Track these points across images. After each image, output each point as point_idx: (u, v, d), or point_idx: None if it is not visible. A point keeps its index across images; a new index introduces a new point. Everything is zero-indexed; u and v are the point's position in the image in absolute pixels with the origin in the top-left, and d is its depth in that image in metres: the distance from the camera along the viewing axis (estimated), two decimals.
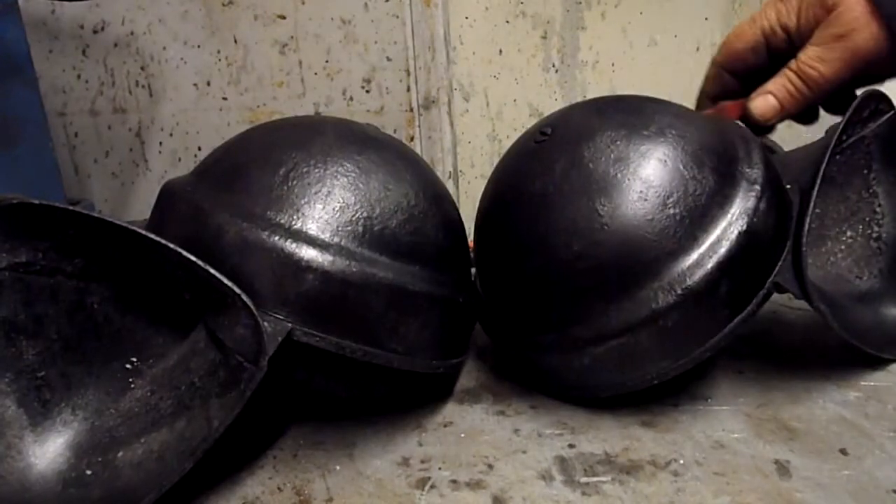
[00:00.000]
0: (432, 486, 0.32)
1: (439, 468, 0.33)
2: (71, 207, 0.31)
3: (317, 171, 0.34)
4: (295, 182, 0.34)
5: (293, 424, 0.38)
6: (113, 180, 0.84)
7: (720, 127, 0.39)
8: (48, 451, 0.32)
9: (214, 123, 0.81)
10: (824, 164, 0.37)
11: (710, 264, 0.34)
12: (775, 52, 0.48)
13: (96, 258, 0.33)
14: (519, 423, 0.37)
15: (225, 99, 0.80)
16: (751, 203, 0.35)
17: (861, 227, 0.44)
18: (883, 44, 0.44)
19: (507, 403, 0.39)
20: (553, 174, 0.36)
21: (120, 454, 0.32)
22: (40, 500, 0.31)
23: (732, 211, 0.35)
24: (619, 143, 0.36)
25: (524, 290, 0.38)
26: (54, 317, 0.33)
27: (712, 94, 0.50)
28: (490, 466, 0.33)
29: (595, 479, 0.32)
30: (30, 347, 0.33)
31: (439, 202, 0.38)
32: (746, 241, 0.34)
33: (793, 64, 0.46)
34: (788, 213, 0.37)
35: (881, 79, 0.45)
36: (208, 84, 0.80)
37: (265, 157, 0.35)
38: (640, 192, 0.35)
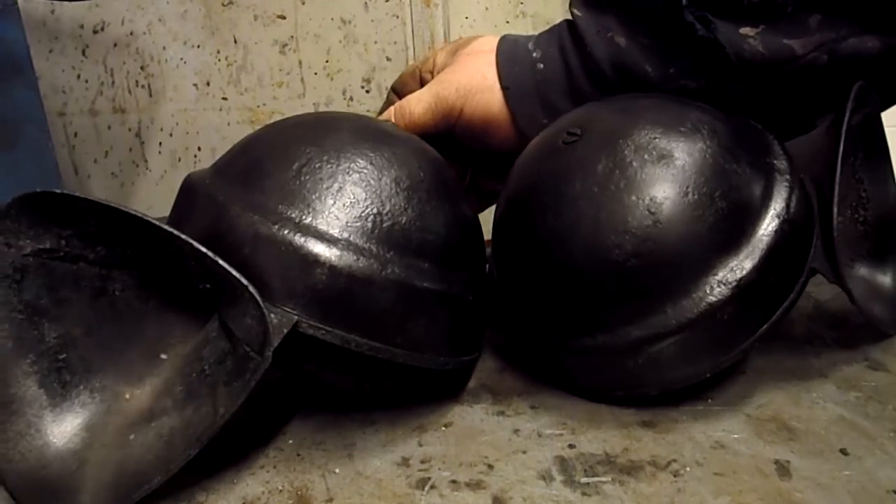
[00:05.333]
0: (432, 487, 0.32)
1: (439, 468, 0.33)
2: (91, 198, 0.32)
3: (329, 166, 0.35)
4: (307, 177, 0.34)
5: (293, 424, 0.38)
6: (113, 180, 0.84)
7: (740, 122, 0.40)
8: (66, 430, 0.33)
9: (214, 123, 0.82)
10: (840, 154, 0.37)
11: (759, 255, 0.35)
12: (422, 78, 0.51)
13: (118, 247, 0.34)
14: (519, 423, 0.37)
15: (225, 99, 0.81)
16: (786, 193, 0.36)
17: (849, 211, 0.45)
18: (499, 109, 0.46)
19: (507, 403, 0.39)
20: (595, 174, 0.36)
21: (132, 437, 0.33)
22: (56, 478, 0.32)
23: (772, 202, 0.36)
24: (658, 140, 0.36)
25: (565, 292, 0.37)
26: (76, 302, 0.34)
27: (380, 113, 0.53)
28: (490, 466, 0.33)
29: (595, 479, 0.32)
30: (52, 331, 0.34)
31: (453, 200, 0.38)
32: (787, 230, 0.36)
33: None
34: (810, 202, 0.38)
35: (507, 151, 0.47)
36: (208, 84, 0.80)
37: (280, 153, 0.36)
38: (688, 187, 0.35)
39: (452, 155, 0.52)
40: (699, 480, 0.31)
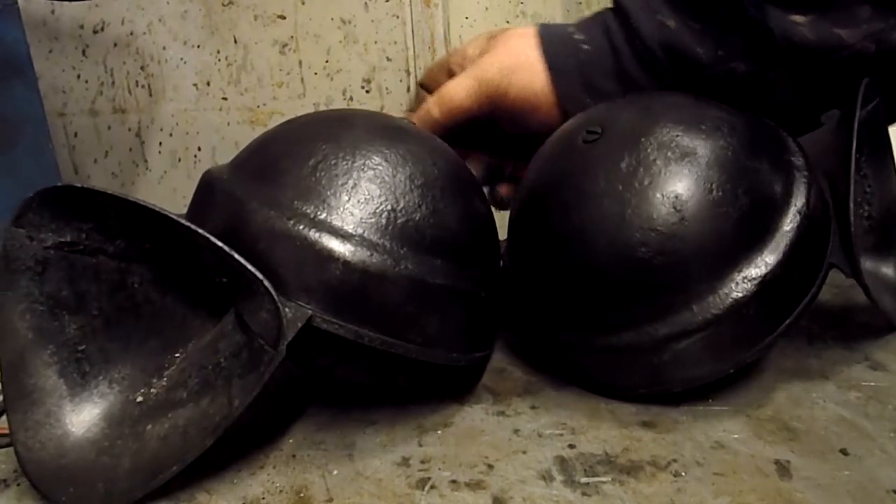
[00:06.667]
0: (432, 487, 0.32)
1: (439, 468, 0.33)
2: (111, 192, 0.32)
3: (344, 163, 0.35)
4: (322, 174, 0.35)
5: (293, 424, 0.38)
6: (113, 180, 0.84)
7: (755, 119, 0.40)
8: (84, 420, 0.34)
9: (214, 123, 0.82)
10: (853, 151, 0.38)
11: (782, 251, 0.35)
12: (451, 70, 0.51)
13: (137, 240, 0.35)
14: (519, 423, 0.37)
15: (225, 99, 0.80)
16: (805, 189, 0.37)
17: (854, 206, 0.45)
18: (541, 88, 0.46)
19: (507, 403, 0.39)
20: (618, 172, 0.36)
21: (149, 427, 0.33)
22: (74, 467, 0.32)
23: (792, 198, 0.36)
24: (680, 138, 0.36)
25: (588, 290, 0.37)
26: (96, 294, 0.35)
27: (413, 108, 0.54)
28: (490, 466, 0.33)
29: (595, 479, 0.32)
30: (72, 322, 0.35)
31: (468, 198, 0.39)
32: (807, 226, 0.36)
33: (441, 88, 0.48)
34: (825, 197, 0.39)
35: (547, 133, 0.47)
36: (208, 84, 0.80)
37: (297, 149, 0.36)
38: (713, 184, 0.35)
39: (493, 145, 0.51)
40: (699, 480, 0.31)
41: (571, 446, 0.34)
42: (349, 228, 0.33)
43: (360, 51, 0.78)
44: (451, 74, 0.51)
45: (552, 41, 0.47)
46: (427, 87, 0.53)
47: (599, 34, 0.46)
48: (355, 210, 0.34)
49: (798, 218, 0.36)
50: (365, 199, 0.34)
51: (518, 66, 0.46)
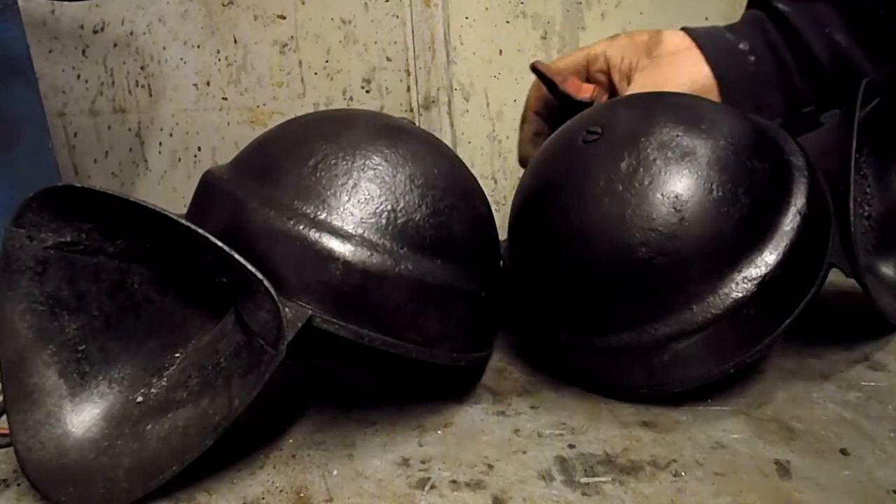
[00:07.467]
0: (432, 487, 0.32)
1: (439, 468, 0.33)
2: (111, 192, 0.32)
3: (344, 163, 0.35)
4: (322, 174, 0.35)
5: (293, 424, 0.38)
6: (113, 180, 0.84)
7: (755, 120, 0.40)
8: (84, 420, 0.34)
9: (214, 123, 0.82)
10: (854, 150, 0.38)
11: (783, 251, 0.35)
12: (592, 77, 0.52)
13: (137, 240, 0.35)
14: (519, 423, 0.37)
15: (225, 99, 0.81)
16: (805, 189, 0.37)
17: (854, 206, 0.46)
18: (709, 83, 0.48)
19: (507, 403, 0.39)
20: (618, 172, 0.36)
21: (149, 427, 0.33)
22: (75, 466, 0.32)
23: (793, 198, 0.36)
24: (679, 138, 0.36)
25: (589, 290, 0.37)
26: (96, 294, 0.35)
27: (534, 107, 0.55)
28: (490, 466, 0.33)
29: (595, 479, 0.32)
30: (72, 322, 0.35)
31: (468, 198, 0.39)
32: (808, 226, 0.36)
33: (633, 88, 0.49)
34: (825, 197, 0.39)
35: None
36: (208, 84, 0.80)
37: (297, 149, 0.36)
38: (713, 184, 0.35)
39: None
40: (699, 480, 0.31)
41: (571, 446, 0.34)
42: (349, 228, 0.34)
43: (360, 51, 0.78)
44: (589, 78, 0.51)
45: (717, 53, 0.48)
46: (549, 76, 0.52)
47: (763, 46, 0.47)
48: (355, 210, 0.34)
49: (798, 218, 0.36)
50: (365, 199, 0.34)
51: (702, 88, 0.47)
